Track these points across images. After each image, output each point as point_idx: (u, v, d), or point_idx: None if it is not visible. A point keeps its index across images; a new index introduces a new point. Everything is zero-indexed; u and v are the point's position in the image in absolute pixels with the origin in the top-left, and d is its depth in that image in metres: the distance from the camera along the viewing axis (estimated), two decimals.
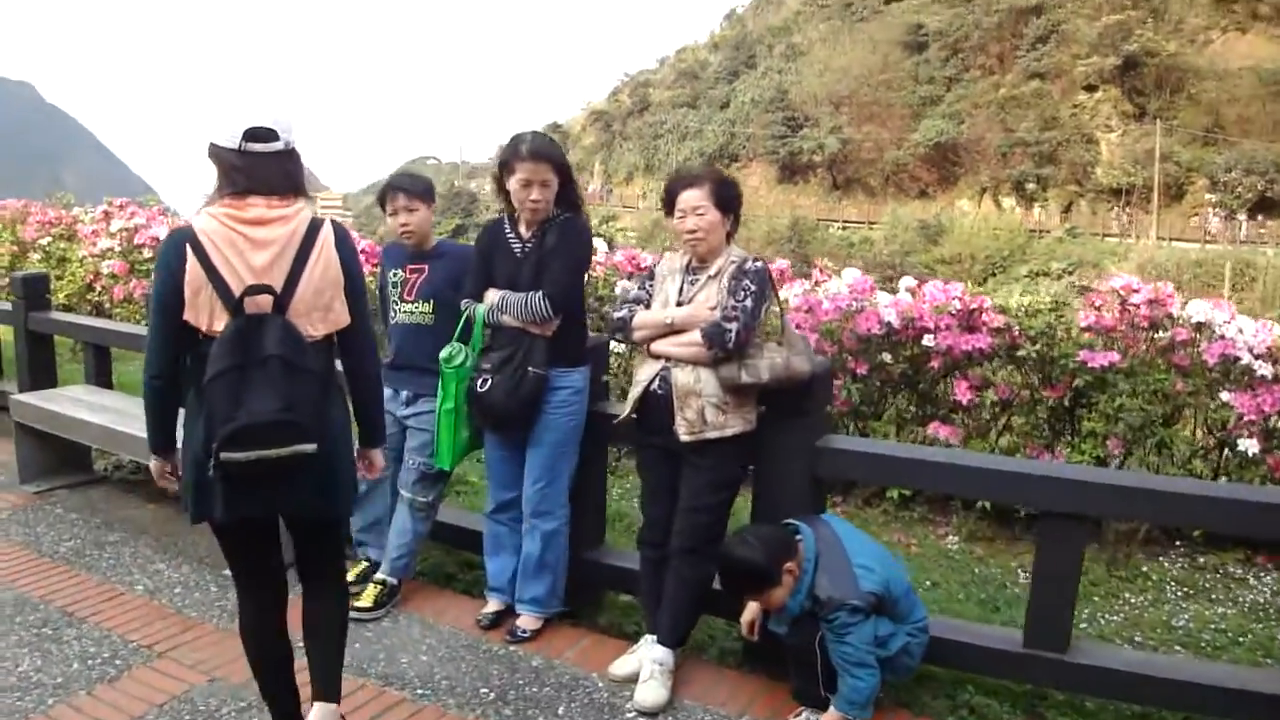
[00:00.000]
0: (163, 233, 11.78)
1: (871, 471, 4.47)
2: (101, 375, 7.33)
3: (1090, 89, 67.22)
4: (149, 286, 10.86)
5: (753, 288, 3.90)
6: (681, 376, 3.96)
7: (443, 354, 4.42)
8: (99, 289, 11.86)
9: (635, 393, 4.13)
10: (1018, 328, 6.48)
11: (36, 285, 7.79)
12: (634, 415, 4.16)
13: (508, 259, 4.40)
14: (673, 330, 4.02)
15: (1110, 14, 67.36)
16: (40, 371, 7.74)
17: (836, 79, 78.72)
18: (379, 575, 4.85)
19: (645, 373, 4.11)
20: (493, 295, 4.36)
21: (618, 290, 7.46)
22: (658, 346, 4.06)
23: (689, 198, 4.06)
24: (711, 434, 3.93)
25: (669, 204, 4.18)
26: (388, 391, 4.75)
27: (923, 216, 62.70)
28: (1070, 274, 54.84)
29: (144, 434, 3.26)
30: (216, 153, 3.07)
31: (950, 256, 55.03)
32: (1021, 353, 6.32)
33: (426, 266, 4.82)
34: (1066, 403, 6.41)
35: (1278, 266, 48.98)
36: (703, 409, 3.92)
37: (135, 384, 8.07)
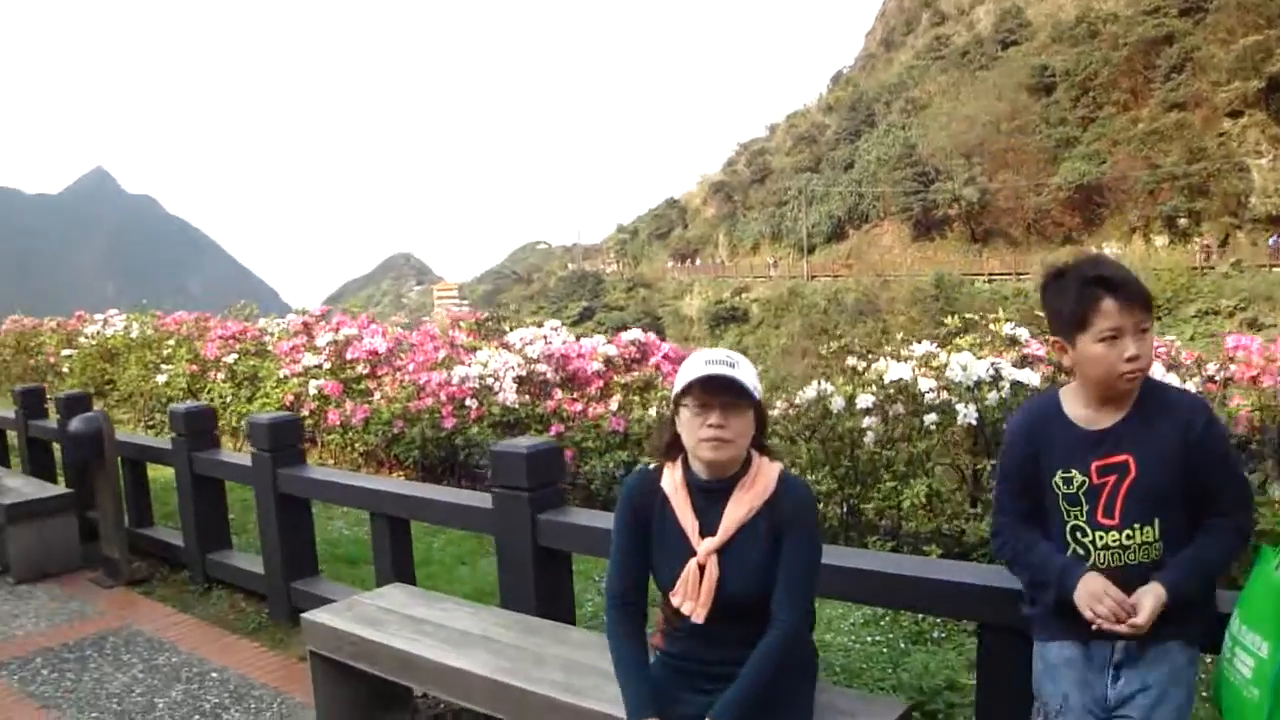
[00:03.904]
0: (380, 344, 10.18)
1: None
2: (402, 563, 5.25)
3: (1234, 115, 63.97)
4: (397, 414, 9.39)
5: None
6: None
7: None
8: (307, 413, 10.09)
9: None
10: None
11: (203, 420, 6.88)
12: None
13: None
14: None
15: (1245, 36, 64.17)
16: (213, 527, 6.88)
17: (964, 129, 76.23)
18: None
19: None
20: None
21: None
22: None
23: None
24: None
25: None
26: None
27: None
28: (1243, 310, 51.63)
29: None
30: None
31: None
32: None
33: (1130, 455, 2.64)
34: None
35: None
36: None
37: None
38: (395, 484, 5.97)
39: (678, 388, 2.94)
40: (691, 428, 2.90)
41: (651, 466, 3.13)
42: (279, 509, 5.90)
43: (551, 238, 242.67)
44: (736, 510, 2.92)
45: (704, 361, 2.89)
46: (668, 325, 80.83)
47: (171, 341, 13.78)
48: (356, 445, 9.85)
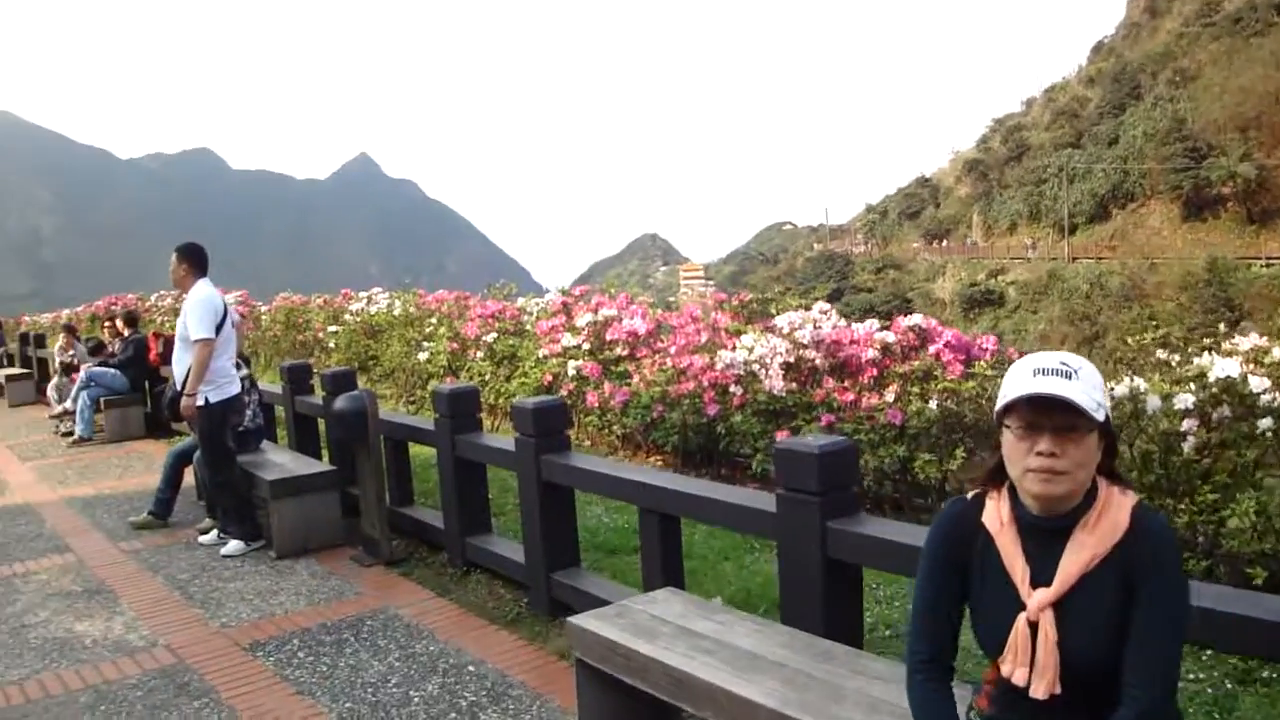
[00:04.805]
0: (640, 325, 9.88)
1: None
2: (672, 563, 4.89)
3: None
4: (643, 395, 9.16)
5: None
6: None
7: None
8: (565, 394, 9.90)
9: None
10: None
11: (466, 402, 6.75)
12: None
13: None
14: None
15: None
16: (473, 510, 6.76)
17: (1239, 101, 71.81)
18: None
19: None
20: None
21: None
22: None
23: None
24: None
25: None
26: None
27: None
28: None
29: None
30: None
31: None
32: None
33: None
34: None
35: None
36: None
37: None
38: (667, 478, 5.54)
39: (1000, 403, 2.33)
40: (1016, 454, 2.30)
41: (970, 496, 2.53)
42: (542, 497, 5.66)
43: (797, 218, 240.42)
44: (1077, 556, 2.29)
45: (1032, 371, 2.28)
46: (918, 308, 78.77)
47: (433, 320, 13.94)
48: (614, 428, 9.61)
